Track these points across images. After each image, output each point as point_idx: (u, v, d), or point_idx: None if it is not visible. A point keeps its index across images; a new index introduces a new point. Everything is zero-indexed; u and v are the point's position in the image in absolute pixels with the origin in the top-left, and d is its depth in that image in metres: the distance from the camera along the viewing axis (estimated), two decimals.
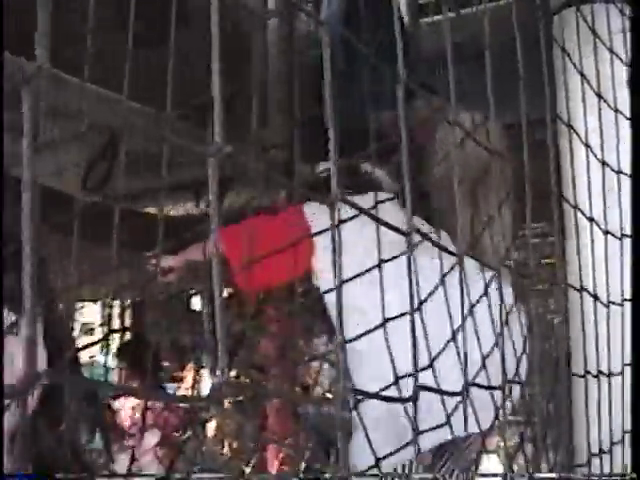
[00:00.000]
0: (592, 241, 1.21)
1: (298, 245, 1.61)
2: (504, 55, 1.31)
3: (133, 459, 1.60)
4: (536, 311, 1.55)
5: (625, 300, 1.28)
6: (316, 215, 1.73)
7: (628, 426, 1.25)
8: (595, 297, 1.20)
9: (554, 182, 1.17)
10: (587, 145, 1.20)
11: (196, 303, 4.79)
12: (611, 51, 1.31)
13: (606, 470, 1.19)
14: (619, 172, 1.29)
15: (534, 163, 1.21)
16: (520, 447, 1.54)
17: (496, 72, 1.13)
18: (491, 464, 2.85)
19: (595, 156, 1.22)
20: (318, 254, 1.75)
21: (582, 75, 1.21)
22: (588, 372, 1.27)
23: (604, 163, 1.23)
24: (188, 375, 4.15)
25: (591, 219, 1.20)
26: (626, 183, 1.33)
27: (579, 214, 1.23)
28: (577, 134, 1.21)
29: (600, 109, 1.26)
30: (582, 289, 1.18)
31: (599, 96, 1.25)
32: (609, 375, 1.22)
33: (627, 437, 1.25)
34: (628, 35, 1.37)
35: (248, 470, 2.28)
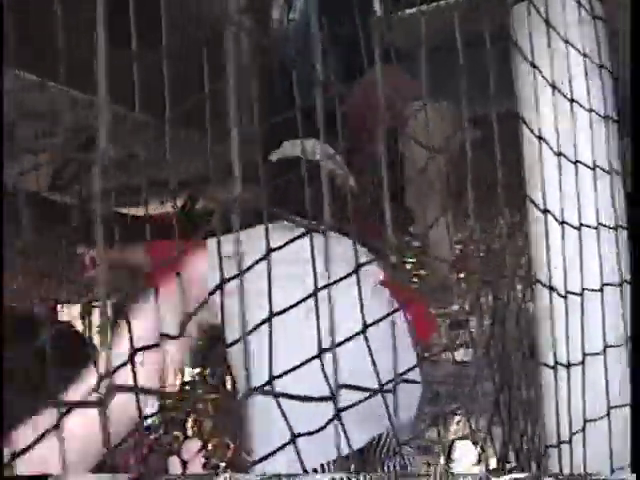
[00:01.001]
0: (547, 232, 1.21)
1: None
2: (472, 48, 1.32)
3: None
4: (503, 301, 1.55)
5: (585, 290, 1.28)
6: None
7: (589, 416, 1.26)
8: (551, 288, 1.20)
9: (501, 175, 1.18)
10: (540, 137, 1.20)
11: None
12: (566, 42, 1.31)
13: (565, 461, 1.20)
14: (577, 162, 1.29)
15: (498, 156, 1.22)
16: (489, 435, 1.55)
17: (465, 66, 1.13)
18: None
19: (551, 148, 1.23)
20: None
21: (534, 66, 1.21)
22: (558, 363, 1.28)
23: (560, 154, 1.24)
24: None
25: (546, 210, 1.20)
26: (586, 172, 1.33)
27: (534, 206, 1.23)
28: (527, 125, 1.21)
29: (554, 100, 1.26)
30: (536, 280, 1.18)
31: (553, 87, 1.25)
32: (568, 366, 1.22)
33: (588, 426, 1.25)
34: (586, 26, 1.38)
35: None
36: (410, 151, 2.84)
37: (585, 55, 1.36)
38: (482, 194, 1.20)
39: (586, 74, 1.35)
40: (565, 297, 1.21)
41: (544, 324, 1.30)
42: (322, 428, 0.80)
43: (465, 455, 3.11)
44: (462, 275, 3.32)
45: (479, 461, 2.80)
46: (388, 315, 1.10)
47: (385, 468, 2.31)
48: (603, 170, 1.36)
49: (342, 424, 0.74)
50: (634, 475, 1.30)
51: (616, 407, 1.31)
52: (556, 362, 1.19)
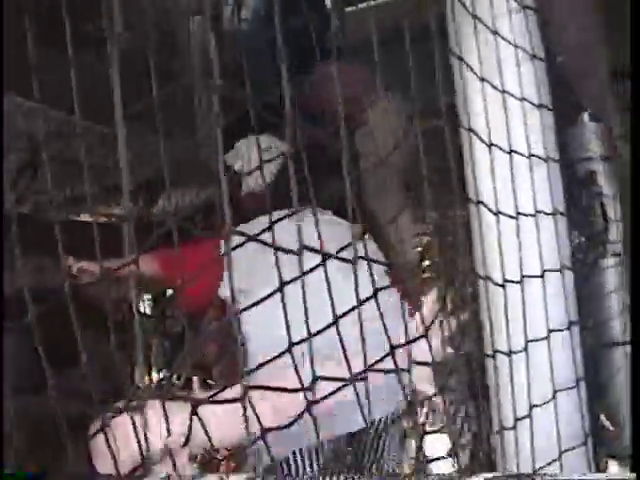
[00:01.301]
0: (481, 223, 1.23)
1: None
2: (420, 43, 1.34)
3: None
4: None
5: (525, 277, 1.30)
6: None
7: (535, 401, 1.27)
8: (487, 278, 1.22)
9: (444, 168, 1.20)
10: (470, 129, 1.22)
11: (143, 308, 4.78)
12: (495, 33, 1.33)
13: (509, 444, 1.21)
14: (511, 152, 1.31)
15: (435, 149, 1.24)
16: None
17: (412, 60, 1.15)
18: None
19: (481, 139, 1.24)
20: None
21: (460, 59, 1.23)
22: (498, 351, 1.29)
23: (491, 145, 1.25)
24: None
25: (479, 202, 1.22)
26: (522, 161, 1.35)
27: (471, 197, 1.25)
28: (460, 118, 1.23)
29: (484, 92, 1.27)
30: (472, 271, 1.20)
31: (482, 79, 1.26)
32: (509, 353, 1.24)
33: (534, 411, 1.27)
34: (514, 16, 1.40)
35: None
36: (366, 147, 2.85)
37: (516, 46, 1.38)
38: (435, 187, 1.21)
39: (518, 64, 1.37)
40: (503, 286, 1.23)
41: (486, 314, 1.32)
42: None
43: (436, 449, 3.12)
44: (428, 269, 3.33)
45: (450, 455, 2.82)
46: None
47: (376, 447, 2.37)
48: (539, 158, 1.38)
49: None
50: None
51: (561, 390, 1.32)
52: (495, 350, 1.21)
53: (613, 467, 2.49)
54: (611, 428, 2.60)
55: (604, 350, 2.54)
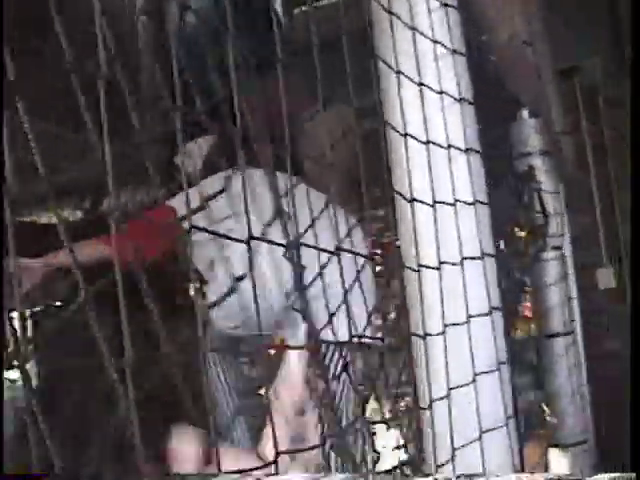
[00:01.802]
0: (400, 213, 1.27)
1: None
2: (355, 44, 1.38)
3: None
4: None
5: (443, 263, 1.35)
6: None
7: (454, 383, 1.32)
8: (409, 268, 1.27)
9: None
10: (386, 122, 1.26)
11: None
12: (413, 29, 1.38)
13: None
14: (428, 142, 1.35)
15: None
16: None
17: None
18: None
19: (395, 130, 1.29)
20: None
21: (374, 55, 1.27)
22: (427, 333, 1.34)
23: (406, 135, 1.30)
24: None
25: (413, 200, 1.26)
26: (441, 153, 1.40)
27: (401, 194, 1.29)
28: (382, 113, 1.27)
29: (400, 84, 1.32)
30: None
31: (398, 72, 1.31)
32: (424, 336, 1.28)
33: (454, 393, 1.32)
34: (434, 13, 1.44)
35: None
36: (308, 150, 2.89)
37: (435, 41, 1.42)
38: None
39: (436, 59, 1.41)
40: (418, 271, 1.27)
41: (410, 298, 1.37)
42: None
43: (386, 440, 3.16)
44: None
45: (399, 447, 2.86)
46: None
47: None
48: (459, 149, 1.42)
49: None
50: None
51: (482, 373, 1.37)
52: (413, 334, 1.26)
53: (554, 453, 2.55)
54: (554, 420, 2.67)
55: (544, 340, 2.61)
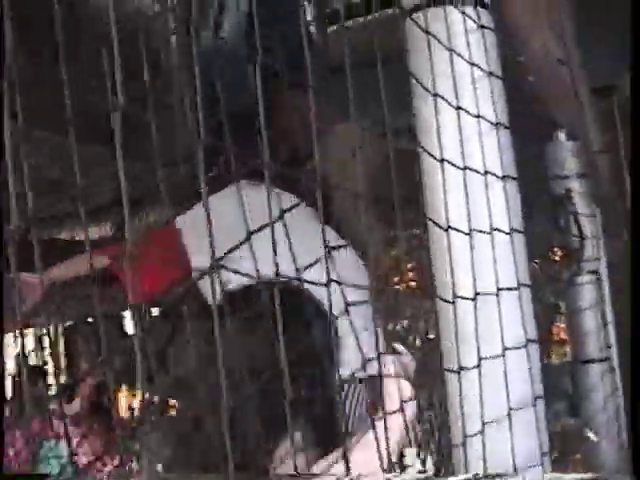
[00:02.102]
0: (434, 241, 1.23)
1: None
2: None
3: None
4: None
5: (479, 294, 1.30)
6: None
7: (488, 418, 1.27)
8: (442, 299, 1.22)
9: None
10: (422, 147, 1.22)
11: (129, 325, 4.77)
12: (451, 50, 1.34)
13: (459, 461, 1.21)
14: (465, 168, 1.31)
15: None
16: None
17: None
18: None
19: (433, 157, 1.25)
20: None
21: (413, 77, 1.24)
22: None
23: (442, 160, 1.26)
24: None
25: (430, 220, 1.22)
26: (477, 179, 1.35)
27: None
28: (417, 136, 1.23)
29: (438, 108, 1.28)
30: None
31: (436, 95, 1.27)
32: (460, 370, 1.24)
33: (487, 428, 1.27)
34: (471, 35, 1.40)
35: None
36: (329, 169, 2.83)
37: (472, 63, 1.38)
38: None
39: (473, 82, 1.37)
40: (453, 303, 1.23)
41: (444, 327, 1.32)
42: None
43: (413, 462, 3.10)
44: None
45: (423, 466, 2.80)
46: None
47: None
48: (496, 176, 1.38)
49: None
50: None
51: (517, 409, 1.32)
52: (446, 369, 1.21)
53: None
54: (596, 439, 2.60)
55: (580, 366, 2.54)
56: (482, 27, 1.44)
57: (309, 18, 3.63)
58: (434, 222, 1.22)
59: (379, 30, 1.33)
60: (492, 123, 1.40)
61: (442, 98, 1.27)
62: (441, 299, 1.23)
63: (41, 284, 2.40)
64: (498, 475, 1.23)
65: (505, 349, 1.32)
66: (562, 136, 2.54)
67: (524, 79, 2.01)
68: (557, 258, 2.59)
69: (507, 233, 1.38)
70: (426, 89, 1.25)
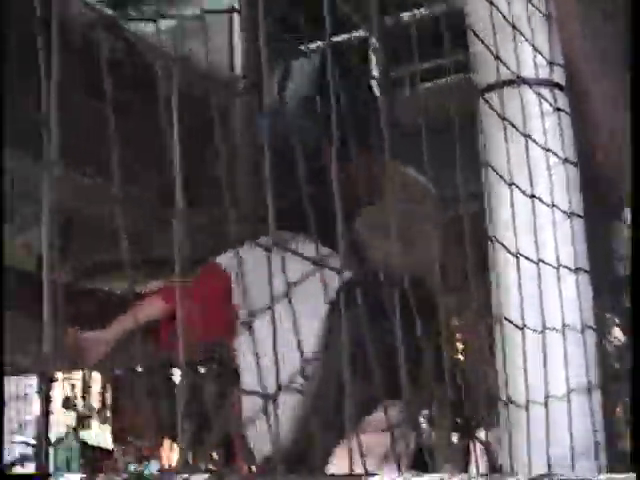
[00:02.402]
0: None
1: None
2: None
3: None
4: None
5: (547, 329, 1.22)
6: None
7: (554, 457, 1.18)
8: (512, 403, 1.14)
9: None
10: (494, 238, 1.15)
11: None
12: (527, 136, 1.27)
13: None
14: (539, 261, 1.23)
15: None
16: None
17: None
18: None
19: (509, 251, 1.17)
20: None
21: (488, 165, 1.17)
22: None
23: (518, 255, 1.18)
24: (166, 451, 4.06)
25: (524, 326, 1.14)
26: (550, 272, 1.27)
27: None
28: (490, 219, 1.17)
29: (513, 197, 1.21)
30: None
31: (512, 184, 1.20)
32: (527, 405, 1.15)
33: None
34: (547, 118, 1.34)
35: None
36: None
37: (548, 149, 1.31)
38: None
39: (549, 169, 1.30)
40: (522, 329, 1.14)
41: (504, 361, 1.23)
42: None
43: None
44: None
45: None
46: None
47: None
48: (569, 269, 1.30)
49: None
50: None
51: (580, 455, 1.22)
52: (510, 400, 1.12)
53: None
54: None
55: None
56: (558, 110, 1.37)
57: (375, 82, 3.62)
58: (510, 321, 1.14)
59: (450, 95, 1.27)
60: (565, 212, 1.33)
61: (517, 187, 1.20)
62: (516, 326, 1.14)
63: (106, 341, 2.37)
64: None
65: (570, 390, 1.23)
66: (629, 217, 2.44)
67: (593, 160, 1.94)
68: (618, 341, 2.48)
69: (579, 331, 1.29)
70: (502, 177, 1.17)
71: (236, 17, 3.08)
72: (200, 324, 2.08)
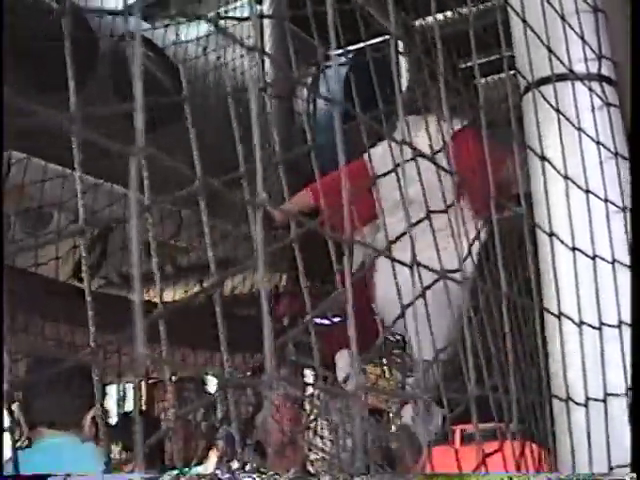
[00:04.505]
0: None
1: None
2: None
3: None
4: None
5: (604, 325, 1.19)
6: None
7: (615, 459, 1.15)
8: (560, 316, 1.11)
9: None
10: (552, 234, 1.13)
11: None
12: (579, 129, 1.25)
13: None
14: (595, 257, 1.21)
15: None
16: None
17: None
18: None
19: (565, 244, 1.15)
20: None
21: (543, 158, 1.15)
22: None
23: (575, 249, 1.16)
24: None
25: (581, 323, 1.12)
26: (606, 267, 1.25)
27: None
28: (539, 226, 1.14)
29: (568, 191, 1.19)
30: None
31: (566, 177, 1.18)
32: (586, 402, 1.12)
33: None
34: (598, 112, 1.32)
35: None
36: None
37: (599, 143, 1.30)
38: None
39: (601, 163, 1.28)
40: (580, 326, 1.12)
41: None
42: None
43: None
44: None
45: None
46: None
47: None
48: (623, 264, 1.28)
49: None
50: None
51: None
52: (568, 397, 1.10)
53: None
54: None
55: None
56: (608, 104, 1.35)
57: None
58: (568, 317, 1.12)
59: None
60: (618, 206, 1.30)
61: (572, 181, 1.18)
62: (574, 322, 1.12)
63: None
64: None
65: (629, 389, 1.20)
66: None
67: None
68: None
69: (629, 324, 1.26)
70: (557, 171, 1.15)
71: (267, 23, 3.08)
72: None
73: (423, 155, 0.89)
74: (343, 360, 2.72)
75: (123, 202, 2.78)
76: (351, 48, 2.98)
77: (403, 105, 0.91)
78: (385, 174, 1.08)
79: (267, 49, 2.96)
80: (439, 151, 1.08)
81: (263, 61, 2.87)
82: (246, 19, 3.13)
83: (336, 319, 1.71)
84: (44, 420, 2.11)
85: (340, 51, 3.13)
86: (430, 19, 3.57)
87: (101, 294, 3.29)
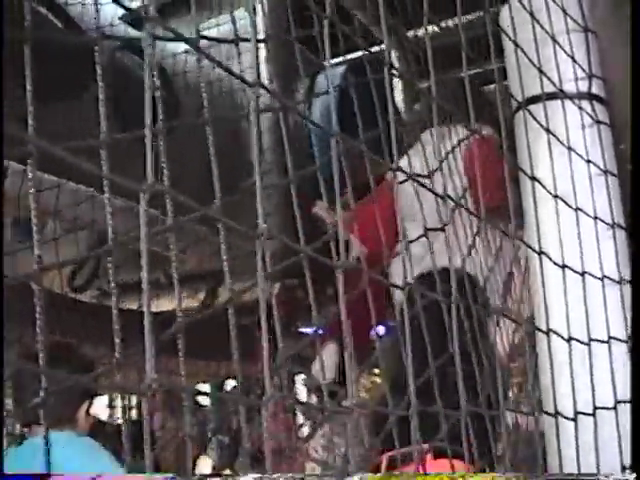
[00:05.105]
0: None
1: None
2: None
3: None
4: None
5: (593, 340, 1.21)
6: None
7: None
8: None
9: None
10: (541, 252, 1.15)
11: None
12: (569, 148, 1.28)
13: None
14: (584, 273, 1.23)
15: None
16: None
17: None
18: None
19: (555, 262, 1.17)
20: None
21: (533, 179, 1.17)
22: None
23: (564, 267, 1.18)
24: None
25: (570, 339, 1.14)
26: (596, 284, 1.27)
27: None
28: (528, 245, 1.16)
29: (558, 210, 1.21)
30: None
31: (556, 197, 1.20)
32: (575, 417, 1.14)
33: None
34: (588, 130, 1.34)
35: None
36: None
37: (589, 161, 1.32)
38: None
39: (590, 180, 1.31)
40: (569, 341, 1.14)
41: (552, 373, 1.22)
42: None
43: None
44: None
45: None
46: None
47: None
48: (613, 280, 1.30)
49: None
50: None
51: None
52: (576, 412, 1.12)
53: None
54: None
55: None
56: (598, 122, 1.38)
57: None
58: (556, 333, 1.14)
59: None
60: (608, 223, 1.33)
61: (562, 200, 1.20)
62: (562, 338, 1.14)
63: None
64: None
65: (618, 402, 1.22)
66: None
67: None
68: None
69: (624, 341, 1.29)
70: (548, 191, 1.18)
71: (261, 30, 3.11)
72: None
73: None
74: (328, 353, 2.71)
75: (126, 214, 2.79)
76: (346, 58, 3.00)
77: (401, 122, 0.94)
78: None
79: (262, 51, 2.99)
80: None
81: (258, 70, 2.89)
82: (231, 41, 3.13)
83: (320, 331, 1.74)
84: (37, 416, 2.11)
85: (336, 60, 3.16)
86: (424, 29, 3.60)
87: (97, 305, 3.30)
